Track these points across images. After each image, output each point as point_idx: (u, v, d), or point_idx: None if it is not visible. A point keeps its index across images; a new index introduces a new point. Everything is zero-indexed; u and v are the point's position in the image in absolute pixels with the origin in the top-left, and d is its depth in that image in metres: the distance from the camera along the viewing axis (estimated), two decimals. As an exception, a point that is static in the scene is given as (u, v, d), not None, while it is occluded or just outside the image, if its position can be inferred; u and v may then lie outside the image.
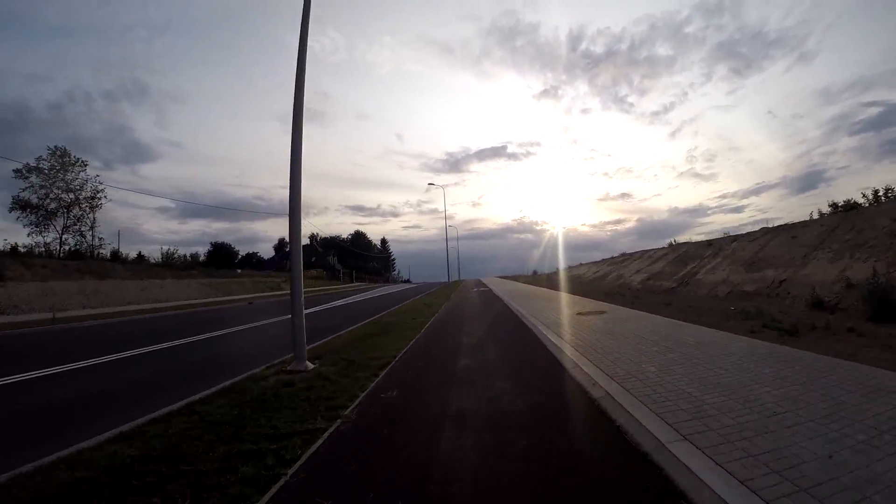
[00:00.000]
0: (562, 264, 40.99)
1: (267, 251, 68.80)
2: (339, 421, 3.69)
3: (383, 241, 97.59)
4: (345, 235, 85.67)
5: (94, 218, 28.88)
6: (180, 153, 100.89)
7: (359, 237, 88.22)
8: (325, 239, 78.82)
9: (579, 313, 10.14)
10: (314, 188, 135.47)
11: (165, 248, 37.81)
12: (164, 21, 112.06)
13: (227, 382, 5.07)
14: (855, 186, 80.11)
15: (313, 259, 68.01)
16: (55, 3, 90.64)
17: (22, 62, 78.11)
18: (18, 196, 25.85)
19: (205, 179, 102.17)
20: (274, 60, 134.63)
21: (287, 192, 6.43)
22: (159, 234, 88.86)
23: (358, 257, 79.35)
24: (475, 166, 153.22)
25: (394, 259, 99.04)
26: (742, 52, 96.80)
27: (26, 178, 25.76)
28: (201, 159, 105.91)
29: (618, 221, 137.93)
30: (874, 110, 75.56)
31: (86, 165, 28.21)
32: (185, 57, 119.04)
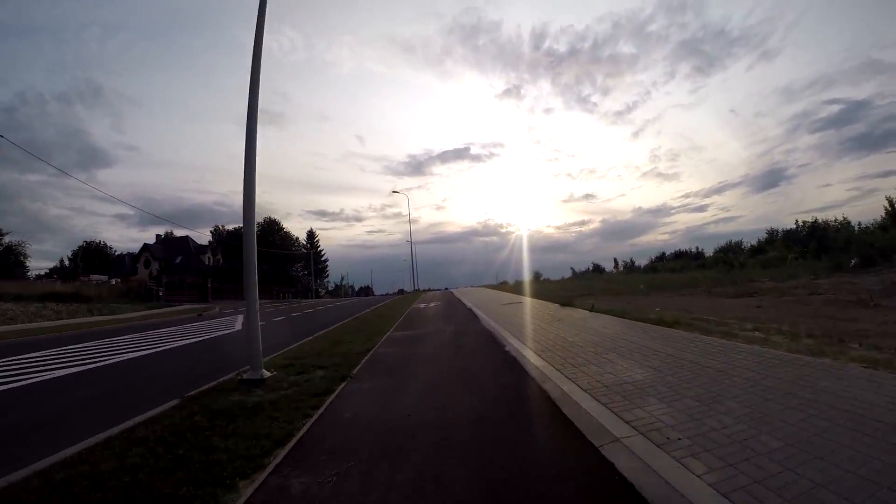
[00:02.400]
0: (527, 270, 42.03)
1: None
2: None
3: (310, 236, 71.64)
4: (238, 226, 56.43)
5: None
6: (138, 157, 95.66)
7: (271, 228, 62.27)
8: (222, 234, 60.60)
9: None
10: (275, 192, 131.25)
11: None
12: (117, 20, 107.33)
13: None
14: (815, 184, 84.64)
15: (174, 262, 50.16)
16: (4, 1, 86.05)
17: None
18: None
19: (164, 184, 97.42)
20: (231, 61, 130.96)
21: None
22: (120, 243, 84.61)
23: (269, 260, 55.62)
24: (438, 168, 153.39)
25: (325, 260, 73.93)
26: (705, 50, 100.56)
27: None
28: (160, 164, 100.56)
29: (582, 223, 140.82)
30: (835, 108, 79.69)
31: None
32: (139, 58, 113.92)
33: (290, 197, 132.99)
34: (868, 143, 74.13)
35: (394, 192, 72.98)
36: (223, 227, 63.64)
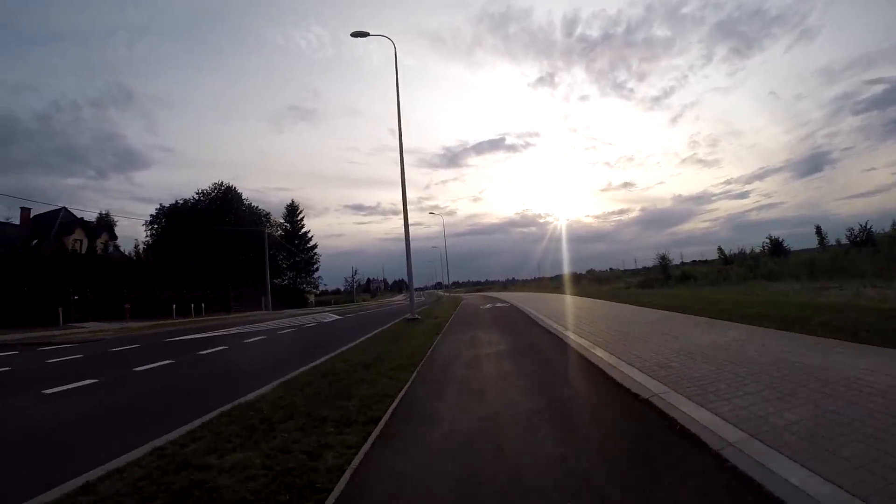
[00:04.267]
0: (566, 262, 41.41)
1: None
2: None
3: (291, 211, 51.63)
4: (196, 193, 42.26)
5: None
6: (173, 158, 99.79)
7: (227, 202, 42.01)
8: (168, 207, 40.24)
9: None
10: (310, 188, 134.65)
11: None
12: (143, 24, 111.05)
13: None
14: (859, 168, 78.11)
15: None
16: (31, 11, 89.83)
17: (3, 72, 76.08)
18: None
19: (200, 183, 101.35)
20: (259, 59, 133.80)
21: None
22: None
23: (222, 247, 37.81)
24: (474, 160, 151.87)
25: (312, 247, 52.14)
26: (742, 31, 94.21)
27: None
28: (195, 163, 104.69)
29: (621, 212, 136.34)
30: (878, 88, 73.42)
31: None
32: (168, 60, 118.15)
33: (326, 192, 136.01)
34: (914, 123, 67.28)
35: (431, 213, 68.24)
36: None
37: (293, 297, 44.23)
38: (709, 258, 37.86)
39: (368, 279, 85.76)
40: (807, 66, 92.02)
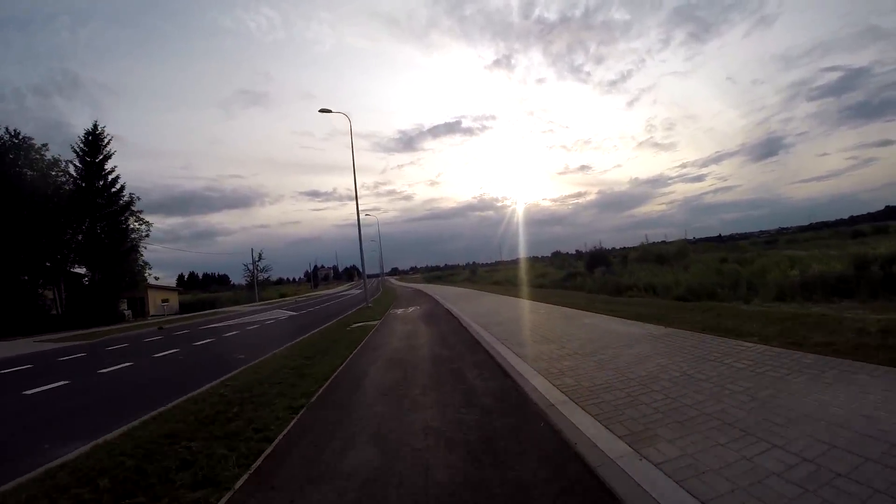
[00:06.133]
0: (523, 246, 39.21)
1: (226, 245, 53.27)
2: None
3: (92, 141, 27.32)
4: None
5: None
6: (122, 147, 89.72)
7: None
8: None
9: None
10: (264, 174, 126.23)
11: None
12: (86, 8, 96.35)
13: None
14: (813, 153, 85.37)
15: None
16: None
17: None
18: None
19: (151, 173, 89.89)
20: (208, 44, 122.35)
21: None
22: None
23: None
24: (430, 143, 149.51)
25: (127, 205, 28.31)
26: (700, 16, 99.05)
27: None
28: (145, 152, 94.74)
29: (579, 195, 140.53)
30: (834, 75, 79.87)
31: None
32: (114, 46, 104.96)
33: (281, 178, 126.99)
34: (867, 111, 74.75)
35: (367, 214, 60.97)
36: None
37: (96, 304, 26.31)
38: (671, 240, 38.32)
39: (315, 266, 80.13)
40: (764, 51, 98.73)
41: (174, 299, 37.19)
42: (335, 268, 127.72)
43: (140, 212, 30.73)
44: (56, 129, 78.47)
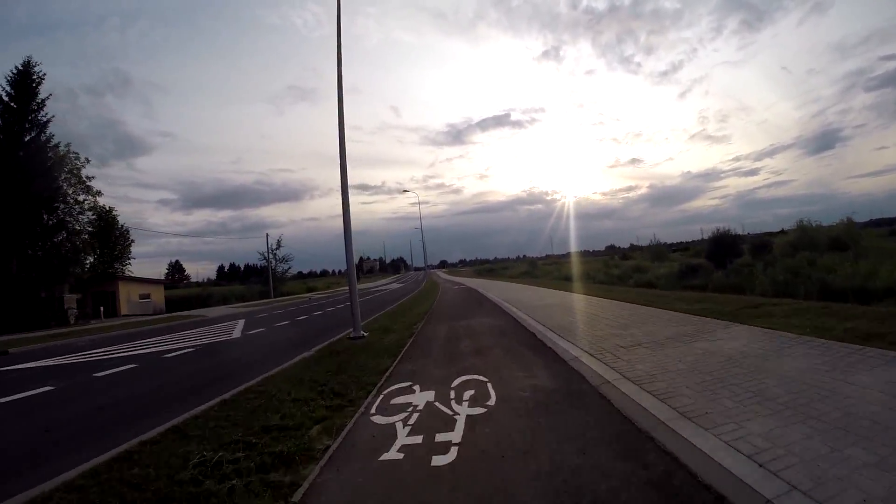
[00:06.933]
0: (574, 240, 30.87)
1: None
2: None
3: (21, 78, 19.63)
4: None
5: None
6: (174, 143, 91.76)
7: None
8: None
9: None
10: (313, 169, 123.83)
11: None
12: (135, 9, 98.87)
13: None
14: (870, 146, 66.59)
15: None
16: (22, 2, 77.92)
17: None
18: None
19: (202, 168, 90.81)
20: (256, 40, 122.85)
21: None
22: (166, 227, 78.13)
23: None
24: (479, 136, 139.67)
25: (60, 158, 20.28)
26: (753, 3, 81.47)
27: None
28: (196, 148, 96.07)
29: (629, 188, 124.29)
30: (892, 64, 61.37)
31: None
32: (163, 45, 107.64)
33: (330, 172, 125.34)
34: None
35: (404, 190, 54.63)
36: None
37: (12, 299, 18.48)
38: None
39: (361, 258, 73.05)
40: (819, 40, 79.73)
41: (158, 295, 29.74)
42: (381, 260, 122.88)
43: (90, 178, 22.99)
44: (109, 127, 79.88)
